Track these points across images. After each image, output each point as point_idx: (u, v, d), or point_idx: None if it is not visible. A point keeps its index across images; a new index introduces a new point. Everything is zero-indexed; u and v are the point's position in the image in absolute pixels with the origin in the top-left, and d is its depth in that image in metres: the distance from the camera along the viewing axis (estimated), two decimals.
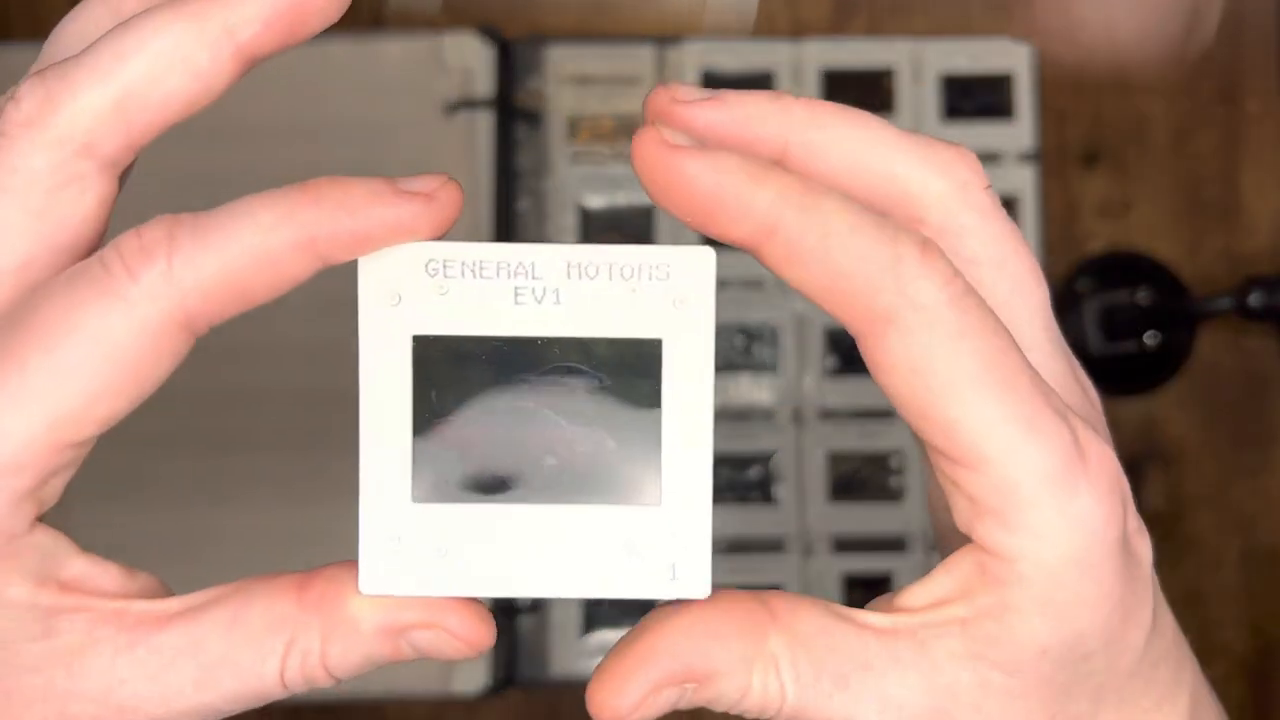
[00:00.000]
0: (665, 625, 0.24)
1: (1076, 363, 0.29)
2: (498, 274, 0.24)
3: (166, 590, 0.24)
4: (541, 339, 0.24)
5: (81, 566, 0.23)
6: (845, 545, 0.64)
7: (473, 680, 0.62)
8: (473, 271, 0.24)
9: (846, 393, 0.65)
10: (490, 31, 0.65)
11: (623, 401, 0.24)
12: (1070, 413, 0.24)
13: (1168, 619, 0.27)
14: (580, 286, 0.24)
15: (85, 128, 0.23)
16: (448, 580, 0.24)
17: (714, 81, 0.66)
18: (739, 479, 0.64)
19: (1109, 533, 0.24)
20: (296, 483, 0.62)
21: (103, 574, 0.24)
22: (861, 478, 0.65)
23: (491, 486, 0.24)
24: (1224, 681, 0.65)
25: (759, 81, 0.66)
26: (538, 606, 0.63)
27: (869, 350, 0.24)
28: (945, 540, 0.31)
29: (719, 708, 0.24)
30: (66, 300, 0.22)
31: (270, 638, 0.23)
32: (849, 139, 0.26)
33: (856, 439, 0.65)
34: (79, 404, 0.22)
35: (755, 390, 0.65)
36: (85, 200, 0.24)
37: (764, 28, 0.67)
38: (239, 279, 0.22)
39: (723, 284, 0.73)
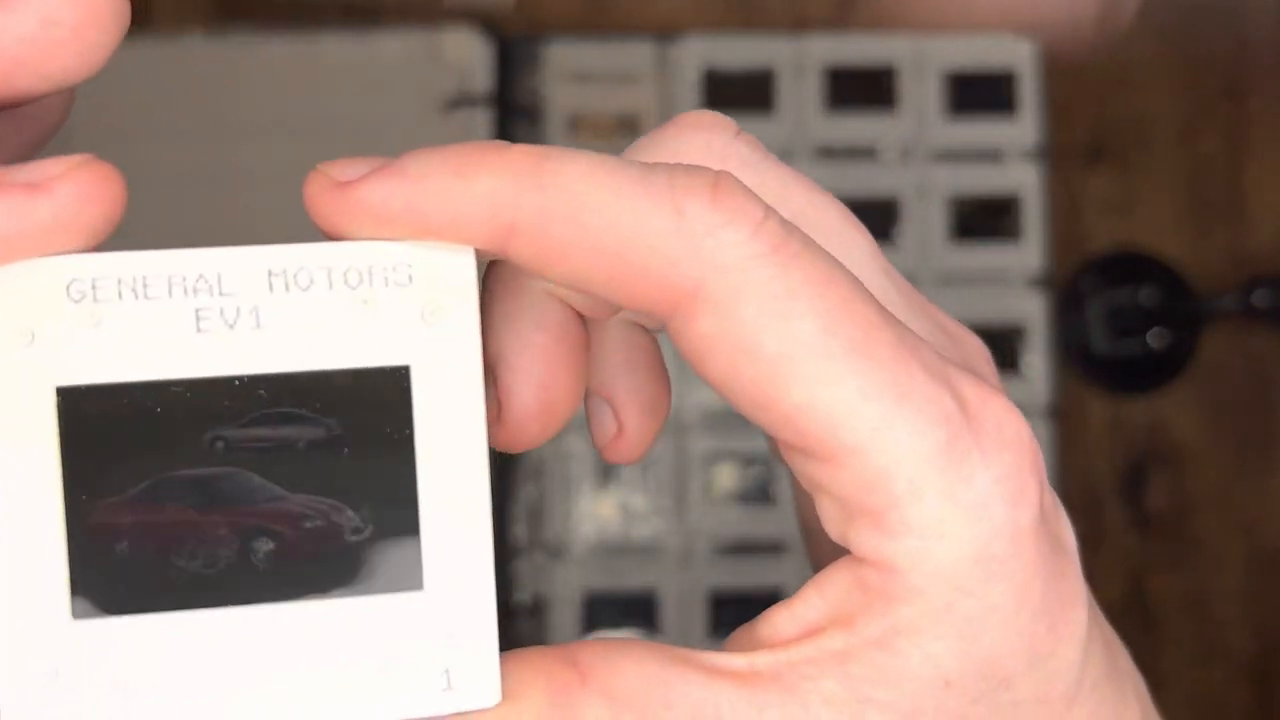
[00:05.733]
0: None
1: (938, 309, 0.23)
2: (170, 292, 0.18)
3: None
4: (240, 378, 0.18)
5: None
6: None
7: None
8: (134, 291, 0.17)
9: None
10: (489, 27, 0.65)
11: (361, 454, 0.18)
12: (949, 366, 0.19)
13: (1099, 620, 0.22)
14: (288, 301, 0.18)
15: None
16: None
17: (715, 79, 0.65)
18: (739, 479, 0.64)
19: (1020, 514, 0.19)
20: None
21: None
22: None
23: (186, 587, 0.17)
24: (1228, 684, 0.64)
25: (759, 78, 0.66)
26: (537, 608, 0.63)
27: (678, 338, 0.18)
28: (819, 551, 0.25)
29: None
30: None
31: None
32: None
33: None
34: None
35: None
36: None
37: (765, 23, 0.67)
38: None
39: None
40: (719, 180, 0.18)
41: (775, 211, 0.18)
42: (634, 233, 0.18)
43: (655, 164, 0.18)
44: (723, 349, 0.18)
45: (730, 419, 0.64)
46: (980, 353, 0.23)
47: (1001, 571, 0.19)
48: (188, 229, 0.61)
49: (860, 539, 0.19)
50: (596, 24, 0.67)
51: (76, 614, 0.17)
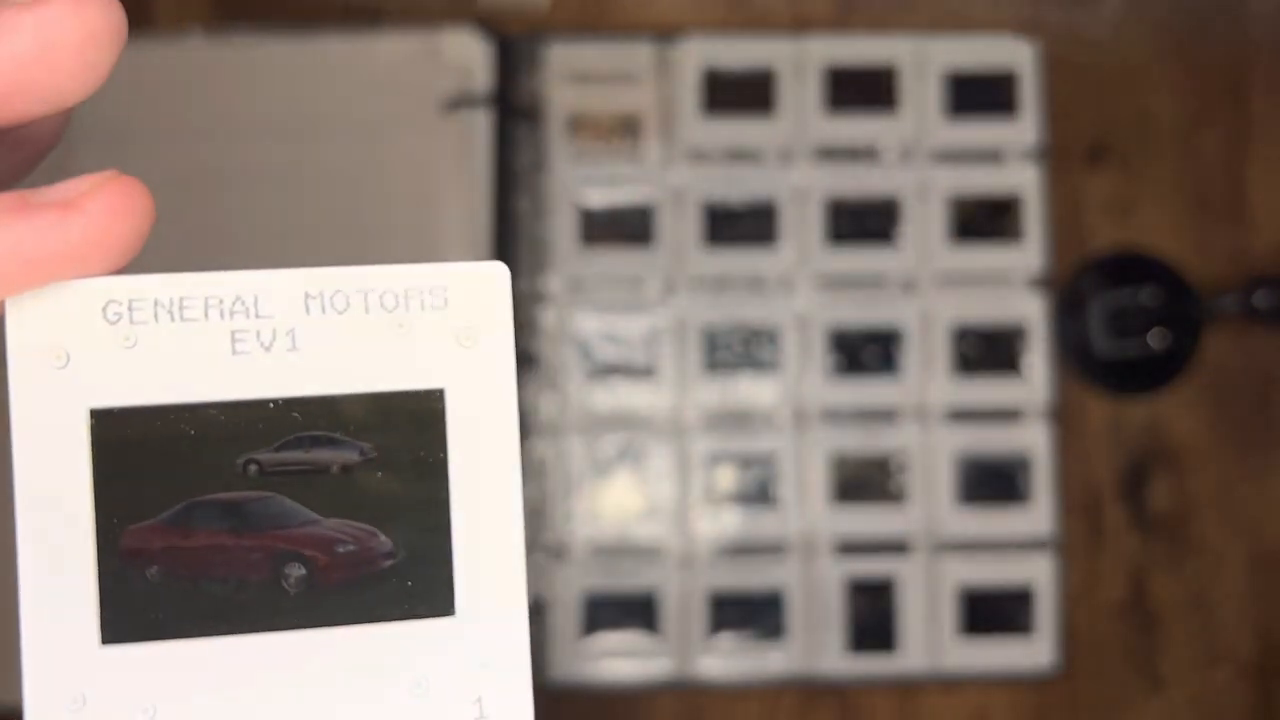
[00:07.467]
0: None
1: None
2: (206, 314, 0.18)
3: None
4: (275, 401, 0.18)
5: None
6: (847, 547, 0.64)
7: None
8: (170, 313, 0.18)
9: (848, 393, 0.64)
10: (489, 27, 0.65)
11: (395, 478, 0.18)
12: None
13: None
14: (324, 324, 0.18)
15: None
16: None
17: (715, 79, 0.65)
18: (739, 479, 0.64)
19: None
20: None
21: None
22: (863, 479, 0.64)
23: (216, 613, 0.17)
24: (1229, 685, 0.64)
25: (760, 78, 0.66)
26: (537, 609, 0.63)
27: None
28: None
29: None
30: None
31: None
32: None
33: (858, 440, 0.64)
34: None
35: (755, 390, 0.64)
36: None
37: (765, 23, 0.67)
38: None
39: (723, 283, 0.71)
40: None
41: None
42: None
43: None
44: None
45: (730, 419, 0.64)
46: None
47: None
48: (188, 229, 0.61)
49: None
50: (596, 24, 0.66)
51: (106, 639, 0.17)
